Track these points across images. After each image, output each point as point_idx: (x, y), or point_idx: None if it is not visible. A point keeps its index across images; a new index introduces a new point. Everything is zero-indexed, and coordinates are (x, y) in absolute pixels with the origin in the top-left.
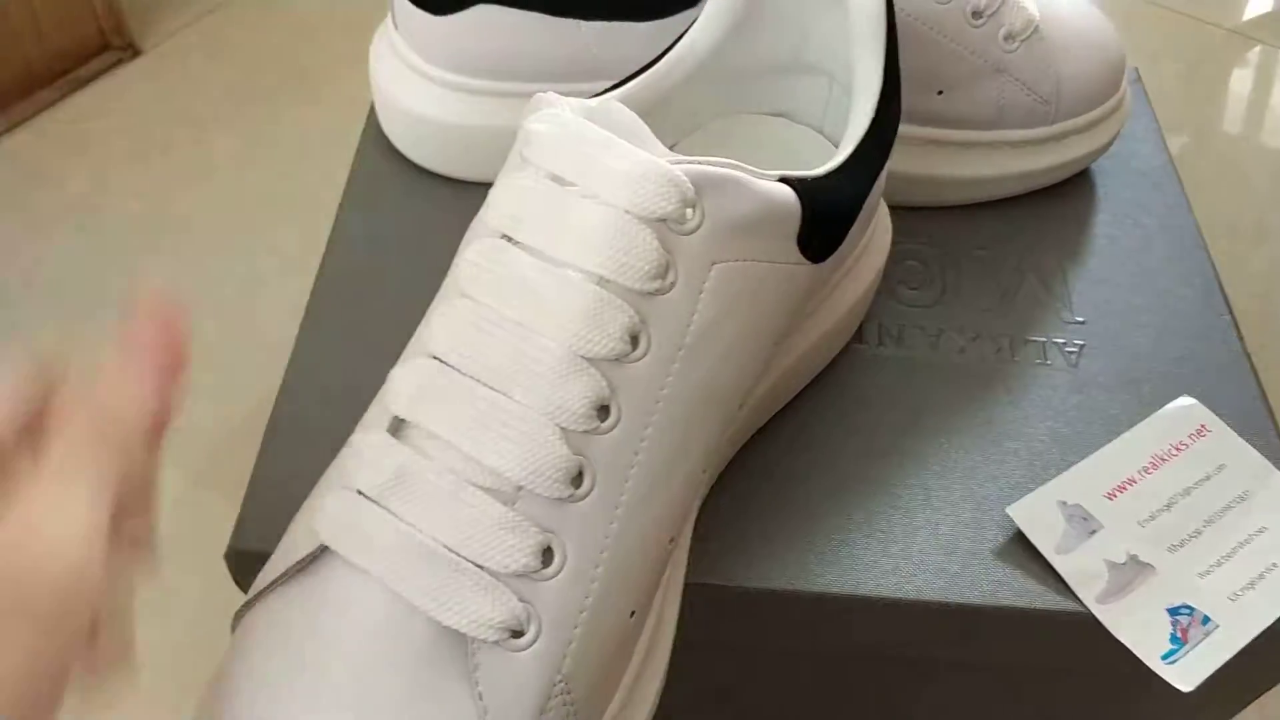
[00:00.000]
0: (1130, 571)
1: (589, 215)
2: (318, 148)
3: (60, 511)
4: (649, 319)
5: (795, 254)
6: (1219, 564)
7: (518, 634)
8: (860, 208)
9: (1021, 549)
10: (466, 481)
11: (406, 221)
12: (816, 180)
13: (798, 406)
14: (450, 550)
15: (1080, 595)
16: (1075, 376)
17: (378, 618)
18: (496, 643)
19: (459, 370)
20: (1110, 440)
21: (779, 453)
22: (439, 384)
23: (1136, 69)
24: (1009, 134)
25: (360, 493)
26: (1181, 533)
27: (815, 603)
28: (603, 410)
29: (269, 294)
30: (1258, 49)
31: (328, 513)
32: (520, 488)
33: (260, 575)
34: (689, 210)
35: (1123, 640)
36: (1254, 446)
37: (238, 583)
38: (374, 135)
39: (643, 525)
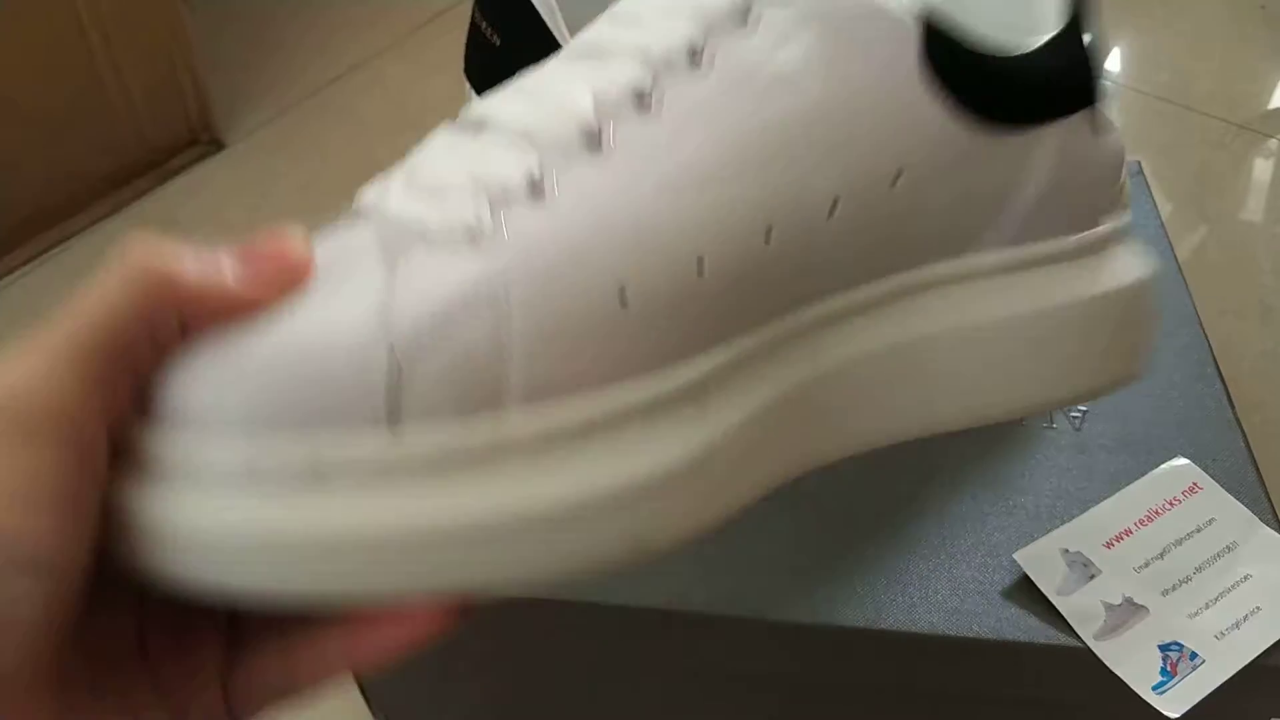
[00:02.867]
0: (1125, 612)
1: None
2: None
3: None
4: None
5: (916, 74)
6: (1207, 606)
7: None
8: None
9: (1026, 591)
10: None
11: None
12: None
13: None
14: None
15: (1079, 632)
16: (1079, 439)
17: None
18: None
19: None
20: (1110, 496)
21: (807, 501)
22: None
23: (1139, 162)
24: None
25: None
26: (1173, 578)
27: (838, 636)
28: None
29: None
30: (1270, 142)
31: None
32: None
33: None
34: None
35: (1118, 673)
36: (1241, 503)
37: None
38: None
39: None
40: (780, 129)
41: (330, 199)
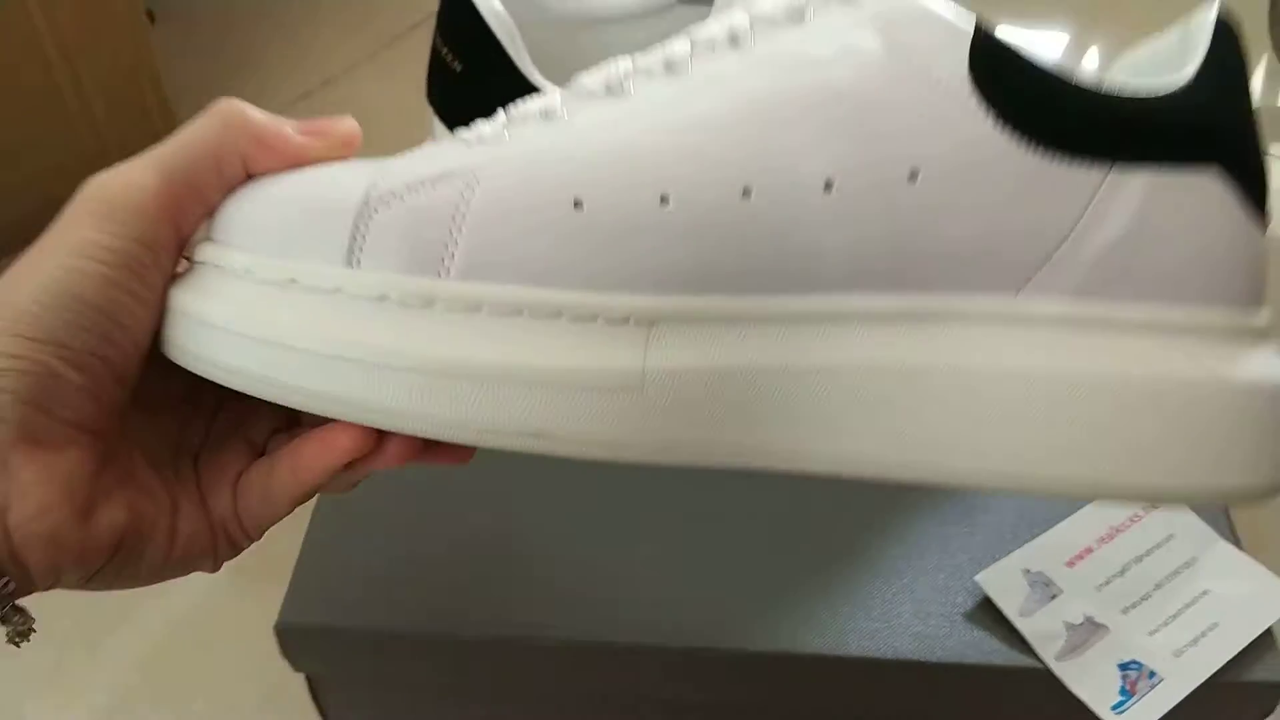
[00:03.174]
0: (1086, 631)
1: None
2: None
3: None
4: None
5: (961, 80)
6: (1166, 623)
7: None
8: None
9: (988, 613)
10: None
11: None
12: None
13: (785, 482)
14: None
15: (1040, 654)
16: None
17: None
18: None
19: None
20: (1072, 514)
21: (767, 525)
22: None
23: None
24: None
25: None
26: (1134, 595)
27: (803, 664)
28: None
29: None
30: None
31: None
32: None
33: None
34: None
35: (1077, 694)
36: (1201, 519)
37: (286, 655)
38: None
39: None
40: (787, 101)
41: None
